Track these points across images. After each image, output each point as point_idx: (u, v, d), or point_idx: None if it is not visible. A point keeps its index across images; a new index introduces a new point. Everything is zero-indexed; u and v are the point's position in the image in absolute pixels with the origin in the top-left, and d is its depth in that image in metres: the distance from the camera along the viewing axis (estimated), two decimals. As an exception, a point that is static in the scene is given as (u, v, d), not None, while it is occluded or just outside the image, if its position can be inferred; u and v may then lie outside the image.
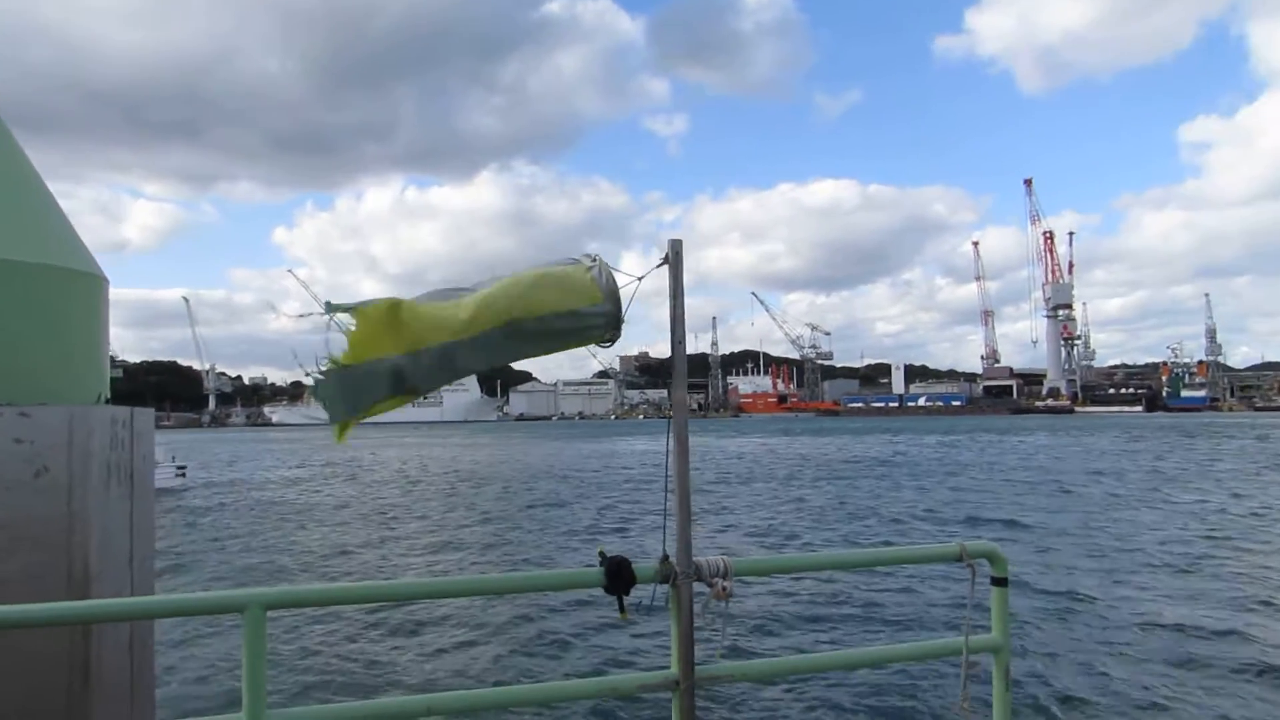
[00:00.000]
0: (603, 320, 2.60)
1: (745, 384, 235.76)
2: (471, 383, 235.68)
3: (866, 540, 19.45)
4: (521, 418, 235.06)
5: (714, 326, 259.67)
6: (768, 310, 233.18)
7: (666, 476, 2.72)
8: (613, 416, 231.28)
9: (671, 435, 2.72)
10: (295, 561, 17.86)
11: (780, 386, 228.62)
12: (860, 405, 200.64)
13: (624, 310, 2.63)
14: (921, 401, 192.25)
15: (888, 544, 18.00)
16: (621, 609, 2.68)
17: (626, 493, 30.61)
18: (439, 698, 2.43)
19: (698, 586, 2.75)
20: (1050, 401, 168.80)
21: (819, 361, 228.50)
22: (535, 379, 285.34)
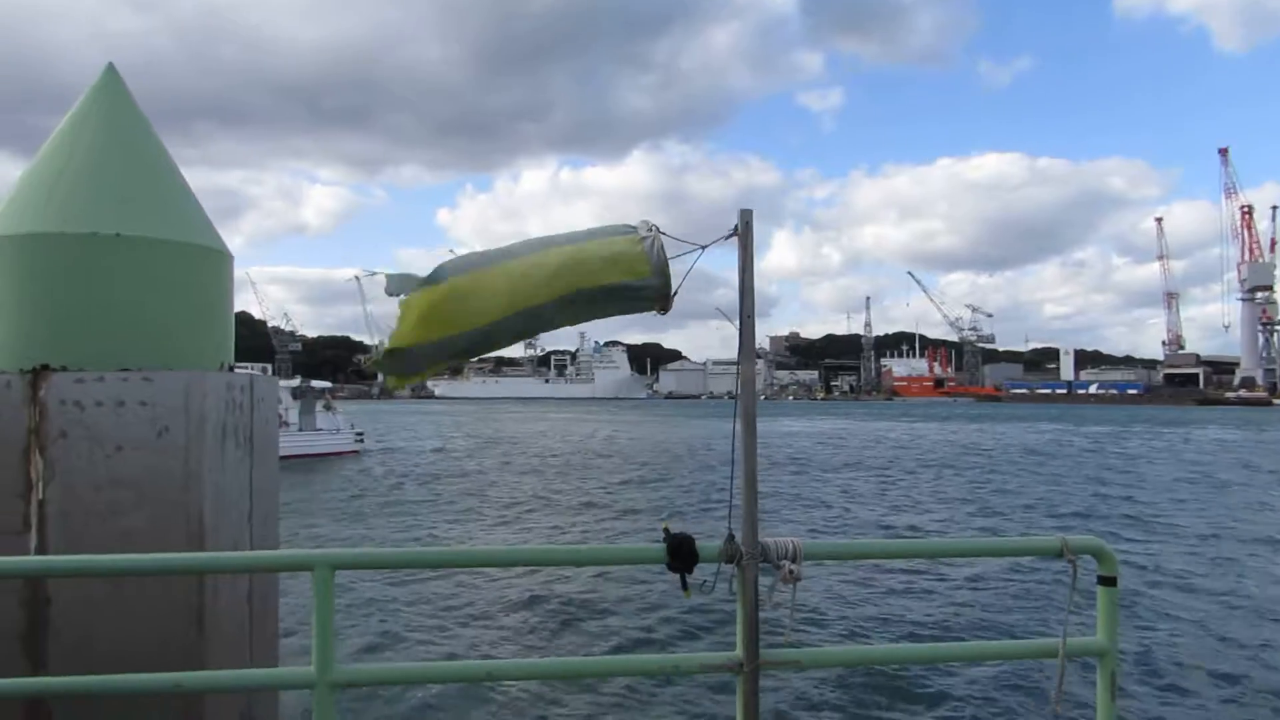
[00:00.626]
0: (651, 294, 2.56)
1: (900, 366, 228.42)
2: (622, 360, 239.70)
3: (978, 533, 18.39)
4: (671, 396, 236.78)
5: (867, 307, 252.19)
6: (925, 291, 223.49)
7: (733, 454, 2.64)
8: (762, 397, 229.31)
9: (738, 414, 2.63)
10: (435, 518, 18.88)
11: (937, 370, 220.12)
12: (1024, 391, 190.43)
13: (676, 283, 2.58)
14: (1093, 389, 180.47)
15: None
16: (684, 586, 2.63)
17: (762, 473, 30.33)
18: (499, 664, 2.48)
19: (765, 569, 2.66)
20: (1243, 393, 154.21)
21: (979, 345, 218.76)
22: (685, 358, 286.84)
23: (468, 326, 2.51)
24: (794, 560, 2.64)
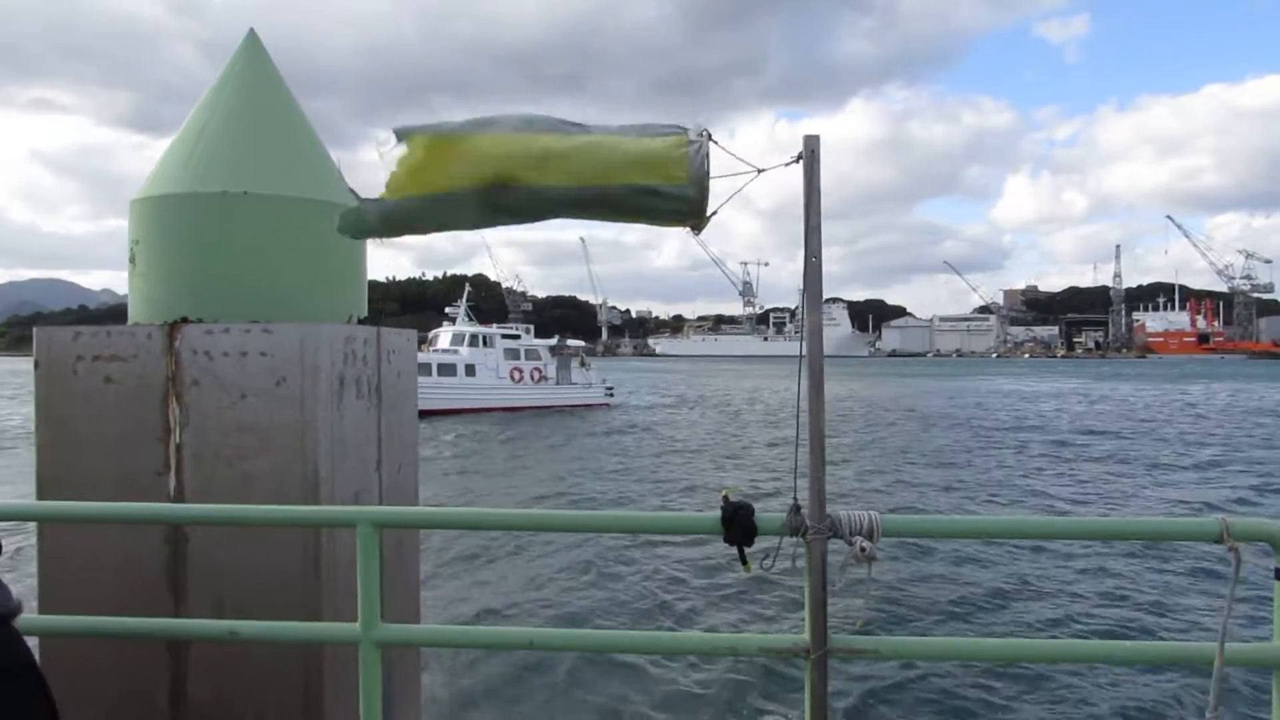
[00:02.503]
0: (684, 206, 2.26)
1: (1155, 320, 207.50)
2: (843, 317, 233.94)
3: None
4: (894, 354, 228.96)
5: (1117, 256, 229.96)
6: (1186, 235, 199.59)
7: (798, 414, 2.32)
8: (994, 355, 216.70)
9: (804, 370, 2.31)
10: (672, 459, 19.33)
11: (1201, 324, 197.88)
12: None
13: (711, 202, 2.27)
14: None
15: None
16: (744, 561, 2.37)
17: (987, 442, 28.47)
18: (541, 633, 2.35)
19: (836, 545, 2.35)
20: None
21: (1254, 295, 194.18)
22: (910, 314, 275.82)
23: (466, 182, 2.29)
24: (869, 537, 2.31)
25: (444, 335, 44.21)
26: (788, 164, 2.29)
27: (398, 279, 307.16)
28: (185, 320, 3.80)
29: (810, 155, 2.27)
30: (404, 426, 4.53)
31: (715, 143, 2.30)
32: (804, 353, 2.28)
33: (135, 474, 3.69)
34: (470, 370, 40.22)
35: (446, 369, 39.78)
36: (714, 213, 2.32)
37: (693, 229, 2.33)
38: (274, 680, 3.60)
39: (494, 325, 51.58)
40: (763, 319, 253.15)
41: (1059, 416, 36.73)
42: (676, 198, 2.22)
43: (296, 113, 4.38)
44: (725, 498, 2.37)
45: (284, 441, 3.66)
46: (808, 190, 2.27)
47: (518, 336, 46.31)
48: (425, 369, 37.49)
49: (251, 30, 4.40)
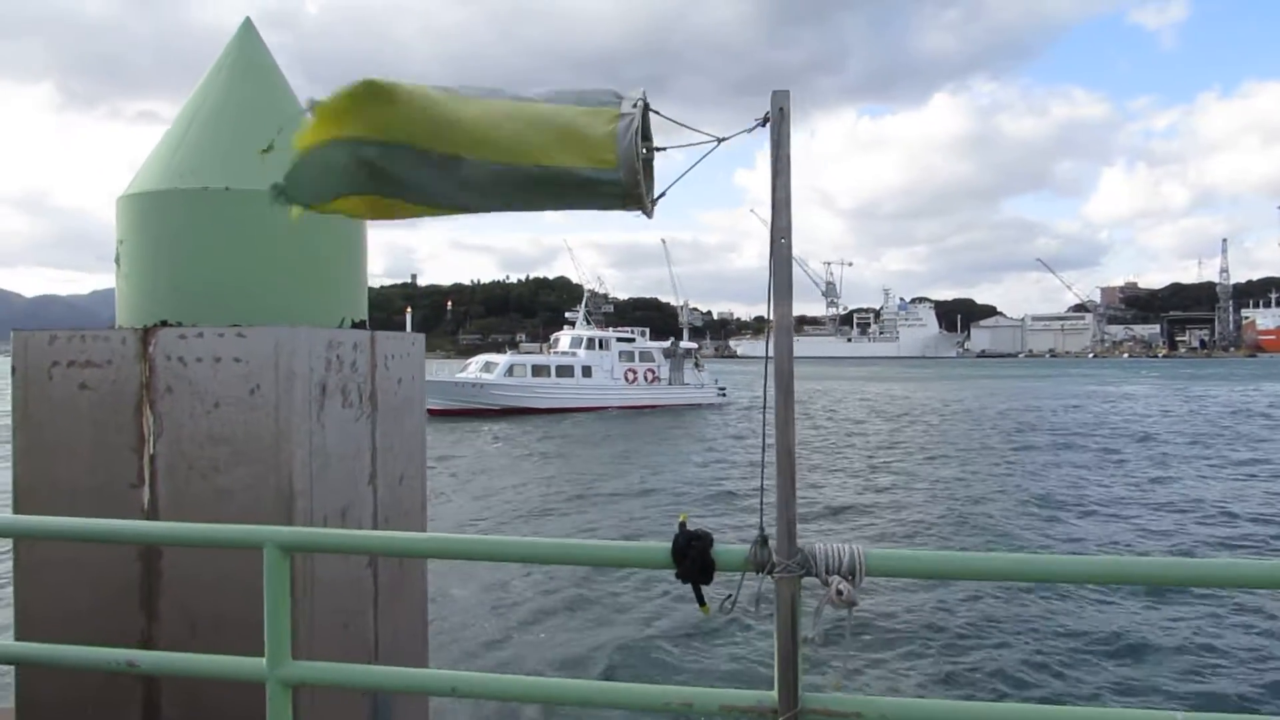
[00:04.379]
0: (616, 190, 1.91)
1: (1266, 318, 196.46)
2: (929, 317, 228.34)
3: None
4: (984, 355, 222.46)
5: (1223, 250, 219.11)
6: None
7: (764, 428, 1.95)
8: (1090, 355, 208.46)
9: (770, 376, 1.93)
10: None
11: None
12: None
13: (663, 184, 1.92)
14: None
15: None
16: (701, 601, 2.00)
17: (1069, 450, 27.07)
18: (465, 677, 2.04)
19: (809, 584, 1.96)
20: None
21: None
22: (1000, 313, 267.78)
23: (383, 135, 1.99)
24: (850, 576, 1.91)
25: (564, 338, 46.92)
26: (751, 129, 1.92)
27: (482, 282, 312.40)
28: (164, 324, 3.62)
29: (779, 115, 1.89)
30: (407, 437, 4.27)
31: (657, 112, 1.95)
32: (770, 354, 1.91)
33: (109, 486, 3.51)
34: (587, 371, 42.71)
35: (564, 370, 42.36)
36: (662, 194, 1.97)
37: (641, 212, 1.98)
38: (245, 711, 3.38)
39: (610, 329, 53.63)
40: (846, 320, 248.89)
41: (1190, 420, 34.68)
42: (606, 183, 1.88)
43: (292, 104, 4.16)
44: (681, 525, 2.01)
45: (258, 453, 3.43)
46: (776, 156, 1.89)
47: (633, 340, 48.41)
48: (544, 370, 41.22)
49: (247, 19, 4.21)
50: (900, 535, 13.72)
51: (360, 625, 3.83)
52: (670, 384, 45.44)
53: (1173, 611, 9.37)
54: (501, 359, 43.32)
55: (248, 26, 4.17)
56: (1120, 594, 9.59)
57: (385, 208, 2.27)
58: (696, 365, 47.78)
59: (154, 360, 3.49)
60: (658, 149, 1.99)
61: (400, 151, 2.00)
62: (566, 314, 60.23)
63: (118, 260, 3.87)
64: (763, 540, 1.95)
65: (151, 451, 3.49)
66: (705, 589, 1.95)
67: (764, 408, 1.91)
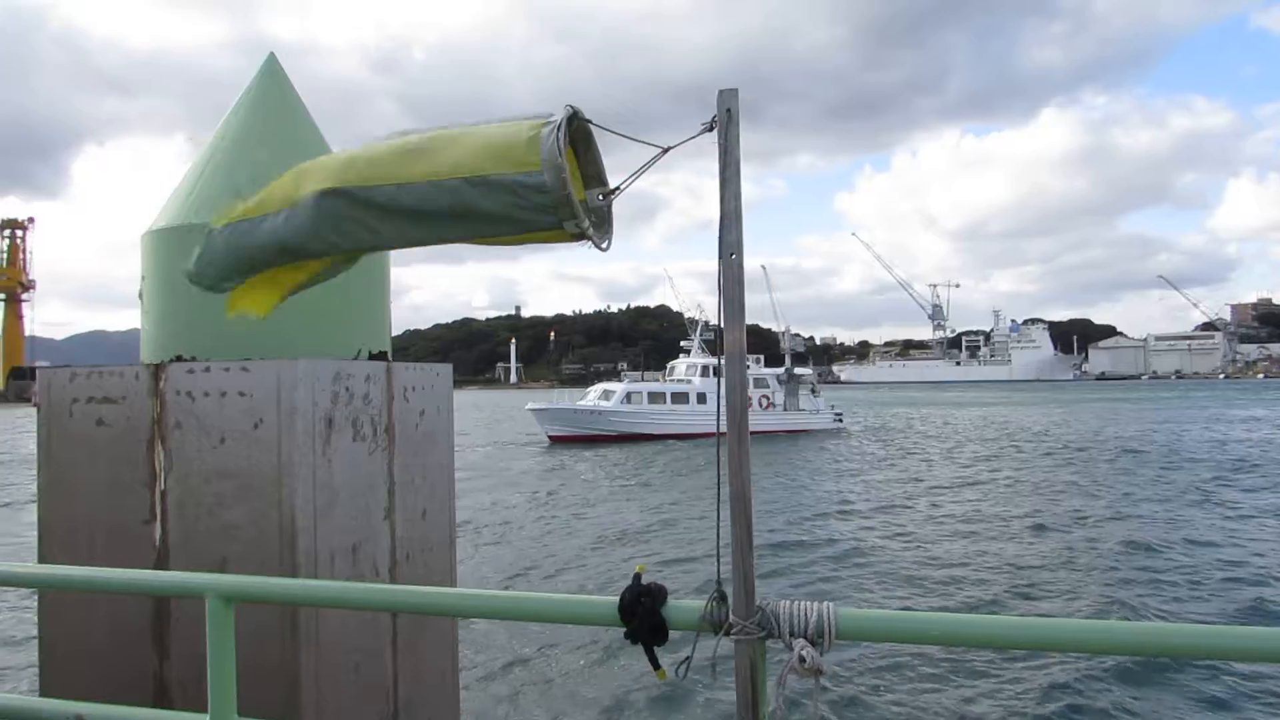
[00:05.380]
0: (544, 200, 1.72)
1: None
2: (1043, 339, 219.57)
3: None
4: (1103, 376, 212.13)
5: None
6: None
7: (719, 469, 1.71)
8: (1221, 375, 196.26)
9: (722, 410, 1.70)
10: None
11: None
12: None
13: (574, 191, 1.71)
14: None
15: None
16: (655, 664, 1.77)
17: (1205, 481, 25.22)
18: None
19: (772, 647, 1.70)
20: None
21: None
22: (1120, 333, 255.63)
23: (303, 192, 1.89)
24: (817, 639, 1.65)
25: (680, 366, 48.88)
26: (697, 135, 1.71)
27: (583, 312, 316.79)
28: (178, 359, 3.61)
29: (726, 117, 1.67)
30: (431, 470, 4.16)
31: (591, 121, 1.75)
32: (721, 390, 1.67)
33: (123, 523, 3.50)
34: (701, 398, 43.77)
35: (680, 397, 44.04)
36: (614, 193, 1.78)
37: (592, 242, 1.79)
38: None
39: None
40: (954, 343, 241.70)
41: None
42: (531, 189, 1.70)
43: (313, 137, 4.14)
44: (636, 577, 1.78)
45: (261, 488, 3.36)
46: (723, 164, 1.67)
47: (747, 367, 48.68)
48: (660, 397, 43.34)
49: (271, 55, 4.23)
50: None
51: (374, 669, 3.69)
52: (786, 409, 46.05)
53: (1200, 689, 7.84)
54: (619, 386, 44.85)
55: (271, 61, 4.18)
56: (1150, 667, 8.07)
57: (305, 268, 2.17)
58: (813, 391, 48.40)
59: (165, 395, 3.47)
60: (611, 192, 1.80)
61: (315, 201, 1.89)
62: (682, 342, 61.99)
63: (141, 296, 3.89)
64: (719, 597, 1.71)
65: (163, 487, 3.46)
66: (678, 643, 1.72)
67: (717, 446, 1.67)
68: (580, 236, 1.73)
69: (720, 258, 1.68)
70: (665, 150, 1.75)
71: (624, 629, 1.74)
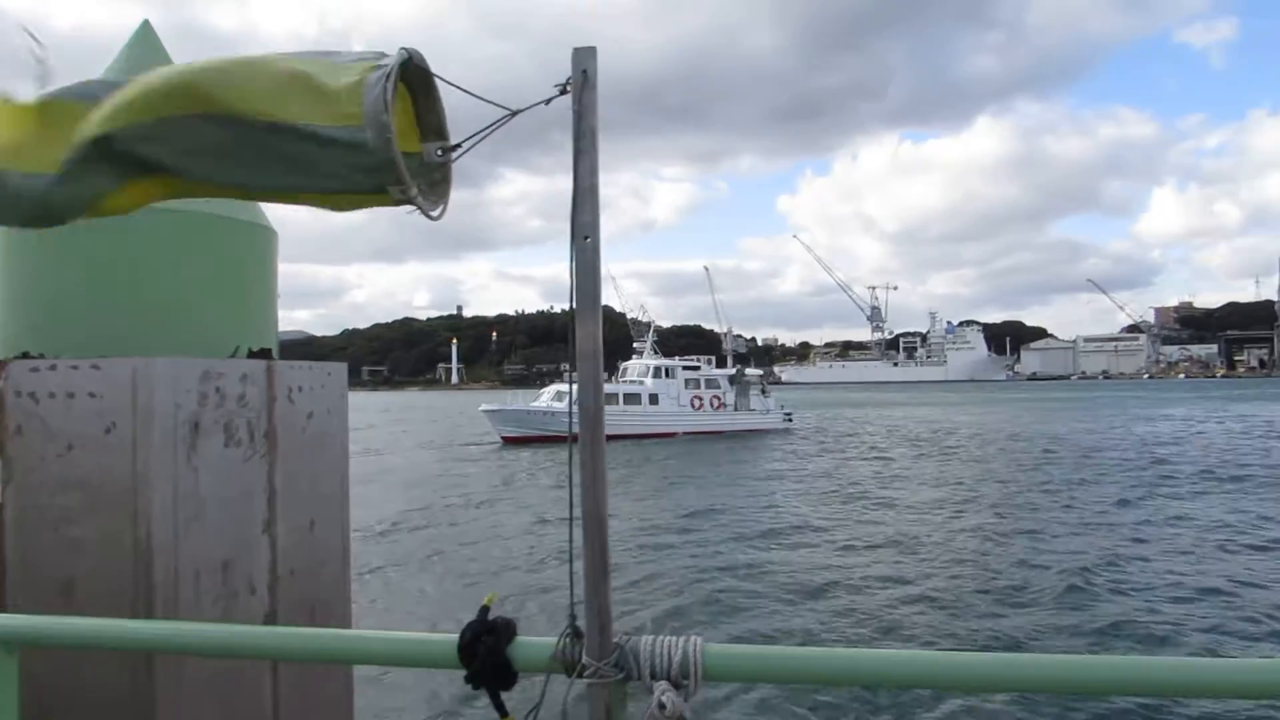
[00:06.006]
0: (365, 160, 1.43)
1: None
2: (977, 340, 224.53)
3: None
4: (1035, 377, 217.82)
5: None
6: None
7: (570, 483, 1.45)
8: (1145, 376, 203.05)
9: (575, 414, 1.45)
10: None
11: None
12: None
13: (430, 174, 1.44)
14: None
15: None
16: (501, 710, 1.51)
17: (1121, 481, 25.85)
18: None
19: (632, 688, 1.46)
20: None
21: None
22: (1050, 335, 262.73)
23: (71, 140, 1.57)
24: (682, 680, 1.40)
25: (632, 367, 48.27)
26: (549, 100, 1.46)
27: (526, 312, 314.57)
28: (26, 355, 3.24)
29: (582, 79, 1.43)
30: (320, 477, 3.84)
31: (437, 74, 1.49)
32: (573, 394, 1.43)
33: (-43, 539, 3.12)
34: (654, 399, 44.08)
35: (632, 398, 43.62)
36: (451, 152, 1.51)
37: (420, 210, 1.51)
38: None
39: (676, 358, 55.98)
40: (892, 344, 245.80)
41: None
42: (349, 146, 1.41)
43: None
44: (483, 609, 1.52)
45: (113, 500, 3.01)
46: (578, 132, 1.43)
47: (698, 368, 49.82)
48: (613, 398, 41.85)
49: (145, 21, 3.87)
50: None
51: (250, 699, 3.36)
52: (736, 410, 46.13)
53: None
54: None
55: (145, 30, 3.82)
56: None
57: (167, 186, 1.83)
58: (763, 392, 48.54)
59: (5, 396, 3.10)
60: (451, 148, 1.53)
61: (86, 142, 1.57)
62: (635, 344, 62.60)
63: (-11, 288, 3.51)
64: (573, 633, 1.46)
65: (0, 500, 3.09)
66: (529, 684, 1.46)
67: (570, 457, 1.42)
68: (405, 203, 1.47)
69: (573, 241, 1.43)
70: (513, 113, 1.49)
71: (464, 672, 1.48)
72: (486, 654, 1.44)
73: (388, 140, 1.38)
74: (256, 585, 3.44)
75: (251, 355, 3.67)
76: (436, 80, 1.50)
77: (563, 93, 1.44)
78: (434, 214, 1.53)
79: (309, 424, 3.79)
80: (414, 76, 1.48)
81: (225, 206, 3.60)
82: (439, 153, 1.51)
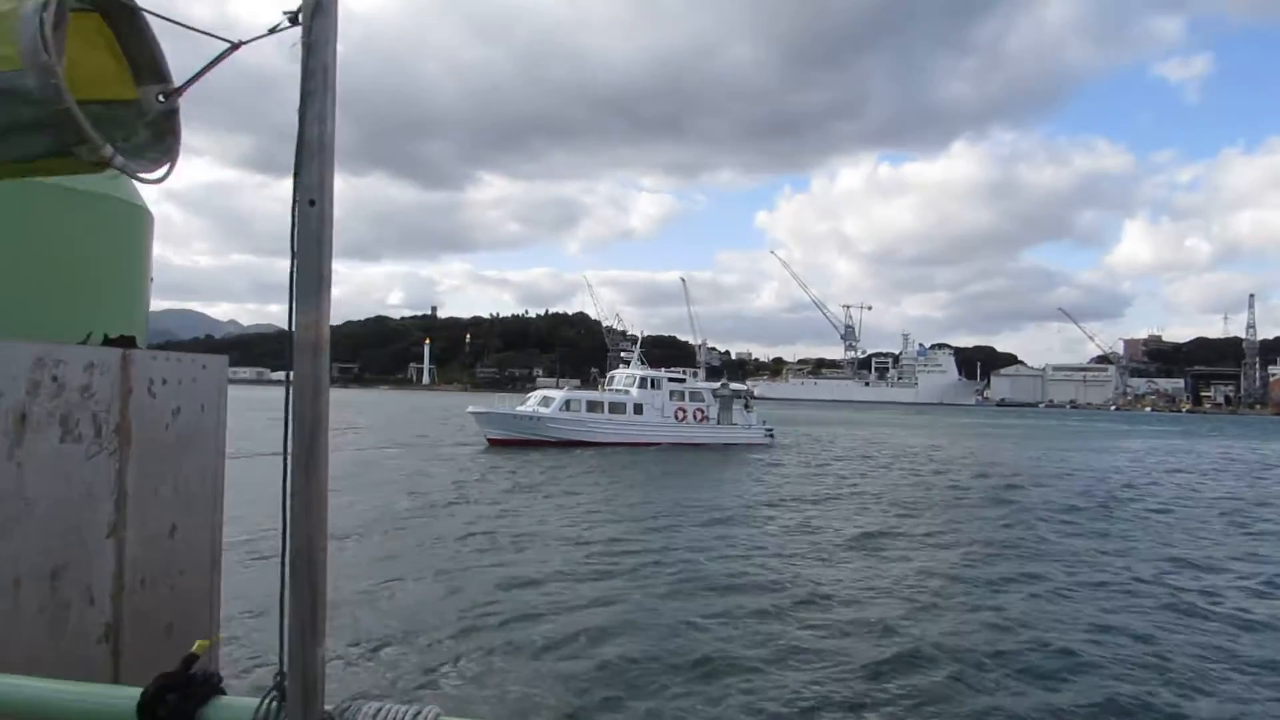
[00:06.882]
0: (31, 111, 1.15)
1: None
2: (949, 364, 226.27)
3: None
4: (1003, 403, 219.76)
5: (1250, 305, 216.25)
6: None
7: (284, 510, 1.20)
8: (1112, 407, 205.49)
9: (289, 435, 1.19)
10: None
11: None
12: None
13: (75, 105, 1.17)
14: None
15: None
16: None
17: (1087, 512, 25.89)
18: None
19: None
20: None
21: None
22: (1020, 362, 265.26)
23: None
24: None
25: (620, 376, 48.74)
26: (275, 28, 1.20)
27: (501, 316, 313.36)
28: None
29: (315, 7, 1.17)
30: (187, 480, 3.55)
31: (149, 11, 1.23)
32: (289, 401, 1.17)
33: None
34: (638, 409, 44.54)
35: (617, 407, 44.22)
36: (171, 98, 1.25)
37: (127, 173, 1.25)
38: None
39: (662, 369, 56.29)
40: (865, 363, 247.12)
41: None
42: (5, 95, 1.13)
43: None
44: (187, 659, 1.26)
45: (-76, 498, 2.72)
46: (307, 68, 1.16)
47: (683, 380, 50.39)
48: (598, 406, 43.54)
49: None
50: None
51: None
52: (719, 423, 46.64)
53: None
54: (558, 394, 44.94)
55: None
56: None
57: None
58: (746, 406, 48.89)
59: None
60: (175, 90, 1.27)
61: None
62: (622, 354, 62.90)
63: None
64: (279, 692, 1.21)
65: None
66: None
67: (284, 483, 1.17)
68: (104, 166, 1.21)
69: (295, 202, 1.18)
70: (236, 45, 1.23)
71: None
72: (171, 716, 1.18)
73: (54, 87, 1.10)
74: (96, 594, 3.15)
75: (109, 343, 3.38)
76: (142, 12, 1.23)
77: (293, 22, 1.18)
78: (153, 176, 1.27)
79: (175, 421, 3.50)
80: (113, 7, 1.22)
81: (87, 181, 3.31)
82: (160, 98, 1.25)
